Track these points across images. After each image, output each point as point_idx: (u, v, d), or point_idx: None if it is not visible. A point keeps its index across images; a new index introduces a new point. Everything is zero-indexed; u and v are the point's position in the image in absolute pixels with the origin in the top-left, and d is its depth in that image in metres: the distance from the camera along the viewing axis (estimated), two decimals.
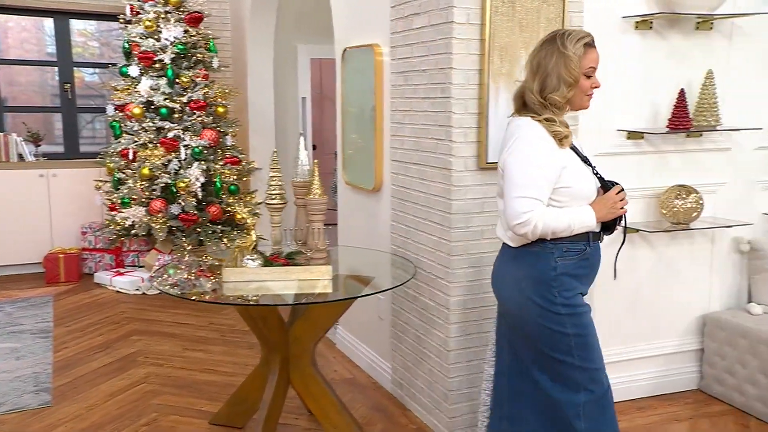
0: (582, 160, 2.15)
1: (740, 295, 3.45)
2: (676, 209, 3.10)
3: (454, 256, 2.81)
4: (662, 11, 2.99)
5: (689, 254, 3.35)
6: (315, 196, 2.79)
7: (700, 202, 3.10)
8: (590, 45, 2.10)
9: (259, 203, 4.56)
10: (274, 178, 2.92)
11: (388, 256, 3.26)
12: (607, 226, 2.16)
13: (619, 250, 2.36)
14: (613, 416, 2.20)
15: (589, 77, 2.11)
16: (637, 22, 3.04)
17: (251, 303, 2.58)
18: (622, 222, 2.19)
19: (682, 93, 3.06)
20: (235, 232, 5.20)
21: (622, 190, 2.15)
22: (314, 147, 7.37)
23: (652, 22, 3.05)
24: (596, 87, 2.14)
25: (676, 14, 2.98)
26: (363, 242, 3.63)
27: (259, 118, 6.00)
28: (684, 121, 3.05)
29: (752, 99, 3.28)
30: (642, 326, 3.33)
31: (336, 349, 4.01)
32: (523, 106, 2.14)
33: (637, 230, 3.16)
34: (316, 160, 2.87)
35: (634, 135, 3.14)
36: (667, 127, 3.09)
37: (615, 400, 3.26)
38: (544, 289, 2.08)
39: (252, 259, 2.69)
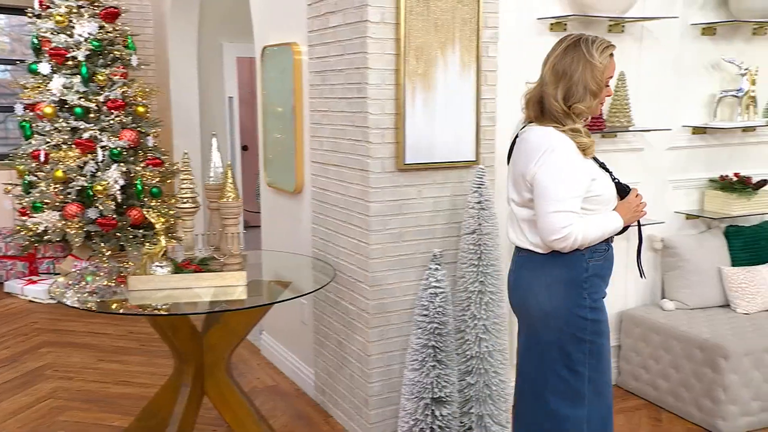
0: (600, 165, 2.13)
1: (655, 291, 3.55)
2: None
3: (372, 259, 2.76)
4: (575, 13, 3.03)
5: None
6: (228, 199, 2.69)
7: None
8: (613, 54, 2.07)
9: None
10: (185, 181, 2.80)
11: (309, 260, 3.19)
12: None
13: (639, 251, 2.34)
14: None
15: (607, 86, 2.09)
16: (551, 24, 3.07)
17: (150, 313, 2.46)
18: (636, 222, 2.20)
19: None
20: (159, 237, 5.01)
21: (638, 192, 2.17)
22: (245, 148, 7.19)
23: (566, 24, 3.09)
24: (609, 95, 2.14)
25: (589, 16, 3.02)
26: (286, 246, 3.55)
27: (183, 119, 5.81)
28: (598, 121, 3.11)
29: (662, 100, 3.37)
30: None
31: (261, 356, 3.91)
32: (541, 112, 2.08)
33: None
34: (229, 162, 2.77)
35: None
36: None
37: None
38: (575, 292, 2.07)
39: (161, 266, 2.56)
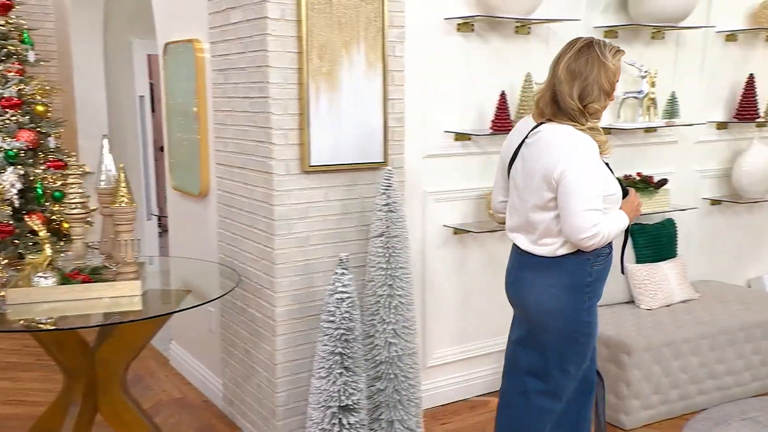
0: (605, 164, 2.16)
1: None
2: None
3: (278, 264, 2.67)
4: (482, 14, 3.04)
5: None
6: (121, 204, 2.53)
7: None
8: (621, 57, 2.14)
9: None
10: (73, 185, 2.62)
11: (215, 266, 3.06)
12: None
13: (624, 248, 2.38)
14: (588, 427, 2.37)
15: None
16: (459, 24, 3.07)
17: (26, 329, 2.29)
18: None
19: (502, 95, 3.13)
20: (62, 243, 4.72)
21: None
22: (163, 149, 6.92)
23: (473, 25, 3.10)
24: (612, 99, 2.17)
25: (494, 17, 3.03)
26: (193, 252, 3.40)
27: (89, 118, 5.50)
28: (505, 122, 3.12)
29: None
30: (476, 324, 3.38)
31: (169, 367, 3.74)
32: (557, 111, 2.09)
33: (467, 231, 3.19)
34: (122, 165, 2.61)
35: (461, 136, 3.17)
36: (491, 129, 3.15)
37: (450, 401, 3.33)
38: (577, 296, 2.12)
39: (44, 277, 2.38)
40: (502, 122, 3.12)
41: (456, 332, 3.33)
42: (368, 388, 2.71)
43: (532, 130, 2.14)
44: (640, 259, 3.58)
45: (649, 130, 3.69)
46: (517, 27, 3.21)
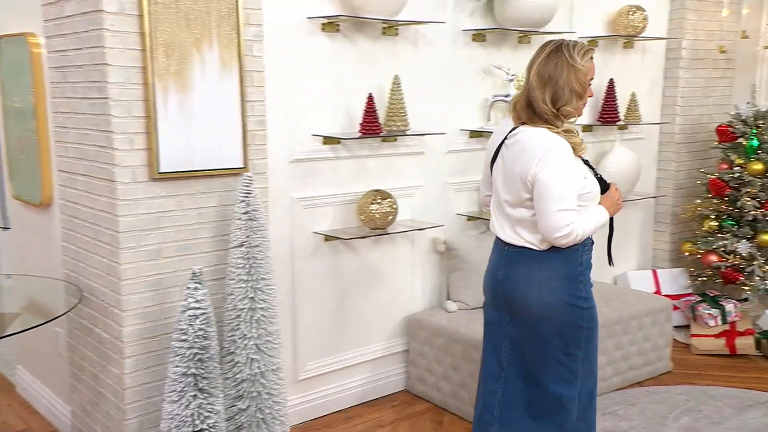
0: (584, 163, 2.24)
1: (441, 293, 3.60)
2: (372, 214, 3.09)
3: (125, 280, 2.45)
4: (346, 14, 2.95)
5: (392, 258, 3.39)
6: None
7: (394, 206, 3.14)
8: (592, 57, 2.17)
9: None
10: None
11: (59, 283, 2.78)
12: None
13: (611, 239, 2.45)
14: (595, 408, 2.40)
15: (589, 86, 2.18)
16: (323, 24, 2.96)
17: None
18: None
19: (370, 98, 3.06)
20: None
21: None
22: None
23: (338, 25, 3.00)
24: (591, 96, 2.21)
25: (358, 18, 2.95)
26: (36, 268, 3.08)
27: None
28: (374, 126, 3.05)
29: (439, 104, 3.42)
30: (350, 334, 3.29)
31: (15, 394, 3.38)
32: (532, 115, 2.15)
33: (337, 238, 3.10)
34: None
35: (329, 140, 3.07)
36: (360, 132, 3.07)
37: (325, 413, 3.23)
38: (573, 285, 2.21)
39: None
40: (370, 125, 3.05)
41: (330, 342, 3.22)
42: (229, 409, 2.54)
43: (510, 131, 2.22)
44: None
45: None
46: (384, 28, 3.15)
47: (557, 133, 2.12)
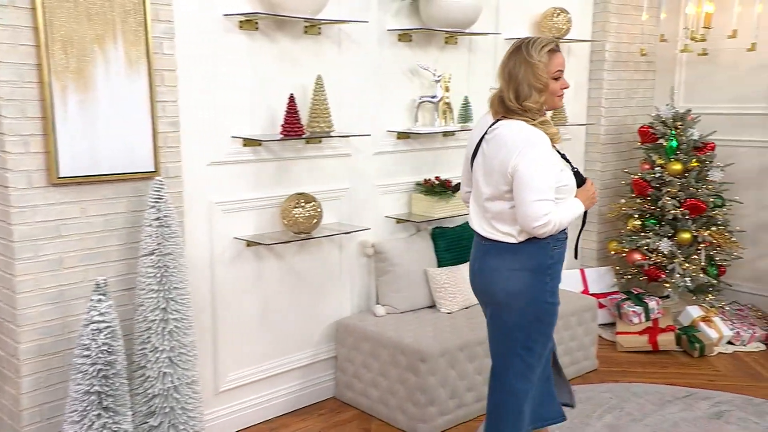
0: (562, 157, 2.28)
1: (370, 297, 3.54)
2: (296, 218, 3.00)
3: (21, 293, 2.29)
4: (263, 12, 2.85)
5: (320, 262, 3.31)
6: None
7: (319, 209, 3.06)
8: (554, 50, 2.20)
9: None
10: None
11: None
12: None
13: (580, 233, 2.49)
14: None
15: (557, 79, 2.21)
16: (241, 22, 2.85)
17: None
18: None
19: (291, 98, 2.96)
20: None
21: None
22: None
23: (257, 23, 2.90)
24: (565, 88, 2.25)
25: (278, 16, 2.86)
26: None
27: None
28: (296, 127, 2.96)
29: (365, 105, 3.35)
30: (276, 341, 3.19)
31: None
32: (506, 110, 2.22)
33: (260, 244, 2.99)
34: None
35: (250, 142, 2.96)
36: (281, 134, 2.98)
37: (249, 425, 3.11)
38: (540, 278, 2.26)
39: None
40: (292, 126, 2.95)
41: (254, 351, 3.11)
42: (140, 427, 2.41)
43: (490, 126, 2.27)
44: (442, 263, 3.60)
45: (447, 134, 3.73)
46: (306, 27, 3.06)
47: (534, 125, 2.19)
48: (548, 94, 2.22)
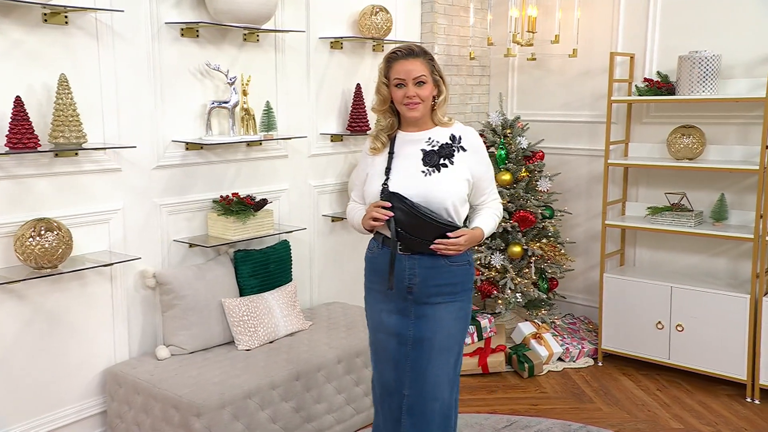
0: (388, 166, 2.27)
1: (156, 336, 3.01)
2: (32, 250, 2.42)
3: None
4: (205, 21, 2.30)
5: (84, 299, 2.75)
6: None
7: (66, 238, 2.50)
8: (395, 59, 2.17)
9: None
10: None
11: None
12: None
13: (393, 258, 2.19)
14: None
15: (400, 87, 2.17)
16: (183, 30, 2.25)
17: None
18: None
19: (19, 102, 2.38)
20: None
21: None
22: None
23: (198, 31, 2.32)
24: (410, 97, 2.16)
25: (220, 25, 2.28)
26: None
27: None
28: (26, 138, 2.38)
29: (141, 111, 2.83)
30: (24, 401, 2.60)
31: None
32: None
33: None
34: None
35: None
36: (6, 146, 2.39)
37: None
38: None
39: None
40: (23, 137, 2.37)
41: None
42: None
43: None
44: (245, 291, 3.14)
45: (252, 143, 3.28)
46: (45, 15, 2.49)
47: (373, 132, 2.30)
48: (395, 102, 2.20)
